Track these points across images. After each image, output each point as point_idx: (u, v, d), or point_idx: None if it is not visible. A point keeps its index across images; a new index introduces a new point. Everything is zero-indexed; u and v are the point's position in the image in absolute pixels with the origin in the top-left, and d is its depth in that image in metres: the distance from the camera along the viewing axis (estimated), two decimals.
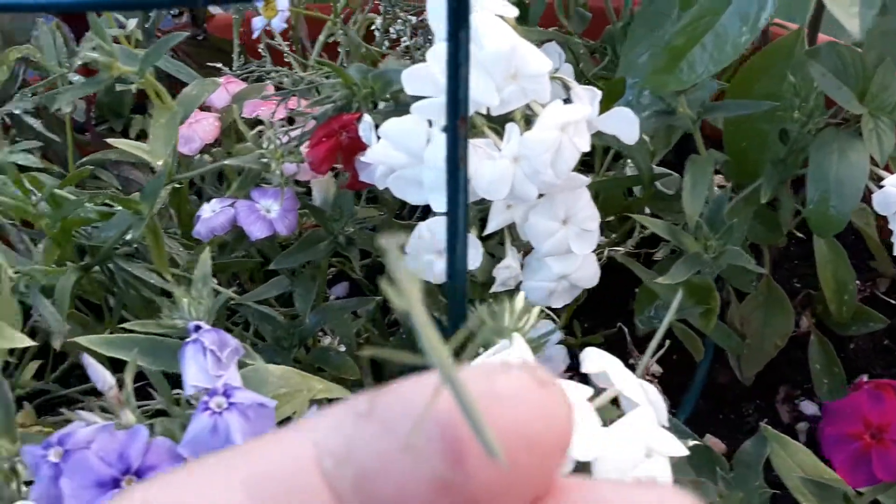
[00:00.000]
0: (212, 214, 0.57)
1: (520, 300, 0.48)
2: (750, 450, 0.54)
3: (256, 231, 0.56)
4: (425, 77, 0.49)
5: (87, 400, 0.72)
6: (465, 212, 0.45)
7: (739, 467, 0.54)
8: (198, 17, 0.78)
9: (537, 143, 0.51)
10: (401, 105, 0.56)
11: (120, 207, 0.63)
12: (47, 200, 0.59)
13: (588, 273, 0.59)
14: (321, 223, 0.59)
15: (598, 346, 0.72)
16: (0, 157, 0.53)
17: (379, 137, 0.52)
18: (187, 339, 0.44)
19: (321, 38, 0.69)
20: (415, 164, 0.52)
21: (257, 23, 0.62)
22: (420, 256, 0.57)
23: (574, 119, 0.51)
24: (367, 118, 0.53)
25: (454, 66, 0.40)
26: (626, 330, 0.73)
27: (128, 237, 0.62)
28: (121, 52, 0.53)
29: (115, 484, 0.40)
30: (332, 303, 0.64)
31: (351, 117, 0.53)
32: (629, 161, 0.72)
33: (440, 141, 0.51)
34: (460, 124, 0.41)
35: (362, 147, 0.54)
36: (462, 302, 0.48)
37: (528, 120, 0.54)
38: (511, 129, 0.51)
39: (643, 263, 0.69)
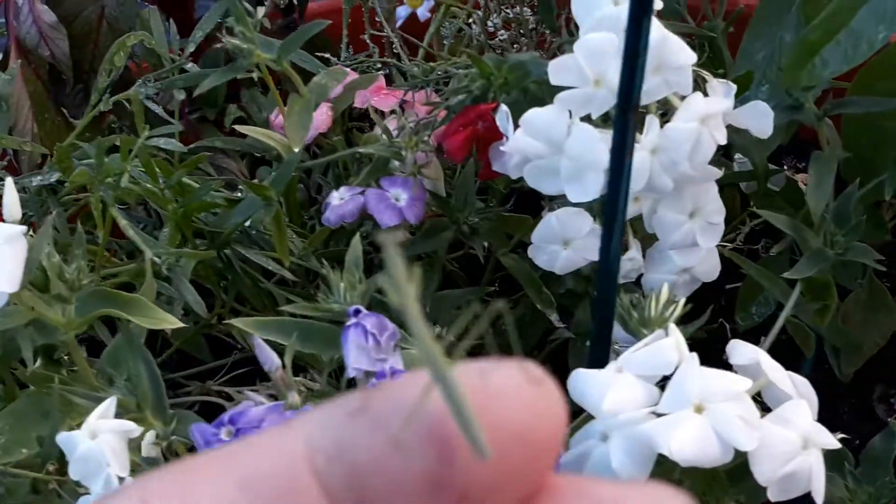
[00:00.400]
0: (341, 202, 0.58)
1: (664, 292, 0.48)
2: (878, 445, 0.54)
3: (386, 219, 0.56)
4: (572, 68, 0.50)
5: (191, 384, 0.73)
6: (626, 200, 0.45)
7: (867, 463, 0.54)
8: (301, 6, 0.79)
9: (679, 135, 0.51)
10: (531, 96, 0.57)
11: (238, 194, 0.64)
12: (173, 186, 0.60)
13: (710, 267, 0.59)
14: (445, 212, 0.59)
15: (702, 341, 0.73)
16: (140, 142, 0.53)
17: (516, 127, 0.53)
18: (348, 323, 0.44)
19: (431, 29, 0.70)
20: (553, 154, 0.52)
21: (401, 11, 0.62)
22: (545, 246, 0.57)
23: (714, 112, 0.52)
24: (504, 108, 0.53)
25: (632, 53, 0.40)
26: (727, 326, 0.73)
27: (247, 224, 0.63)
28: (259, 40, 0.54)
29: None
30: (447, 293, 0.65)
31: (487, 107, 0.54)
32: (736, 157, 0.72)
33: (581, 132, 0.51)
34: (632, 113, 0.42)
35: (498, 136, 0.54)
36: (613, 290, 0.48)
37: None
38: (651, 120, 0.52)
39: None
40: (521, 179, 0.65)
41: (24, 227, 0.45)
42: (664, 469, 0.46)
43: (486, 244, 0.75)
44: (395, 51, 0.71)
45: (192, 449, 0.49)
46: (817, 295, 0.61)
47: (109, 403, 0.43)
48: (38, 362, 0.51)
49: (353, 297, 0.46)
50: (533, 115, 0.52)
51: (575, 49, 0.50)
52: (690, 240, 0.57)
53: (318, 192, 0.74)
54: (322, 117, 0.68)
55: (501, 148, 0.53)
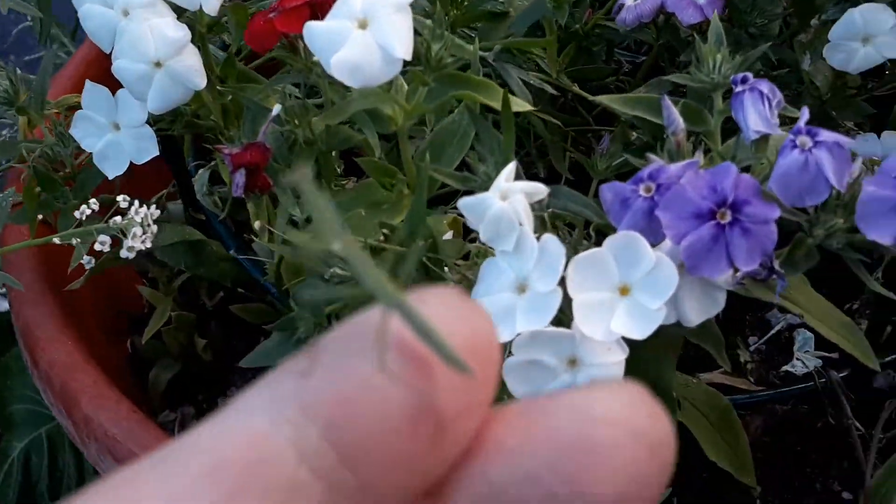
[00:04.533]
0: (636, 3, 0.58)
1: None
2: None
3: (688, 17, 0.56)
4: None
5: None
6: None
7: None
8: None
9: None
10: None
11: None
12: None
13: None
14: (732, 15, 0.59)
15: None
16: None
17: None
18: (739, 89, 0.44)
19: None
20: None
21: None
22: (844, 44, 0.57)
23: None
24: None
25: None
26: None
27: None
28: None
29: (711, 216, 0.41)
30: None
31: None
32: None
33: None
34: None
35: None
36: None
37: None
38: None
39: None
40: None
41: None
42: None
43: None
44: None
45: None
46: None
47: (511, 168, 0.43)
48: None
49: (727, 69, 0.46)
50: None
51: None
52: None
53: None
54: None
55: None
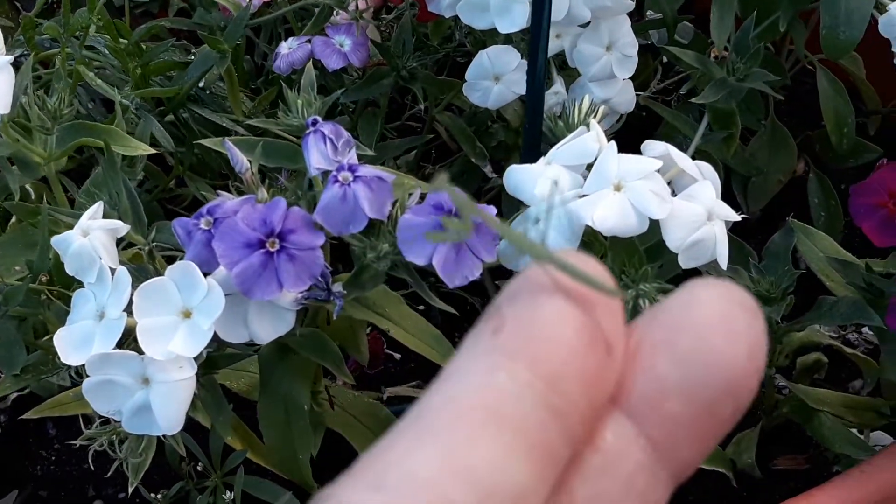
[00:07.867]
0: (289, 51, 0.63)
1: (585, 101, 0.55)
2: (778, 240, 0.61)
3: (332, 63, 0.62)
4: None
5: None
6: (548, 24, 0.51)
7: (769, 257, 0.61)
8: None
9: None
10: None
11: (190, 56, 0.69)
12: (132, 46, 0.65)
13: (626, 98, 0.66)
14: (386, 58, 0.65)
15: None
16: None
17: None
18: (308, 131, 0.50)
19: None
20: None
21: None
22: (479, 83, 0.63)
23: None
24: None
25: None
26: None
27: (200, 85, 0.68)
28: None
29: (261, 245, 0.46)
30: (390, 142, 0.71)
31: None
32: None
33: None
34: None
35: None
36: (539, 110, 0.54)
37: None
38: None
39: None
40: (451, 41, 0.70)
41: (10, 57, 0.49)
42: (592, 248, 0.52)
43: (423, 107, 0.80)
44: None
45: (170, 259, 0.54)
46: (723, 124, 0.68)
47: (97, 207, 0.49)
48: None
49: (310, 112, 0.52)
50: None
51: None
52: (608, 72, 0.63)
53: (263, 61, 0.79)
54: None
55: None
